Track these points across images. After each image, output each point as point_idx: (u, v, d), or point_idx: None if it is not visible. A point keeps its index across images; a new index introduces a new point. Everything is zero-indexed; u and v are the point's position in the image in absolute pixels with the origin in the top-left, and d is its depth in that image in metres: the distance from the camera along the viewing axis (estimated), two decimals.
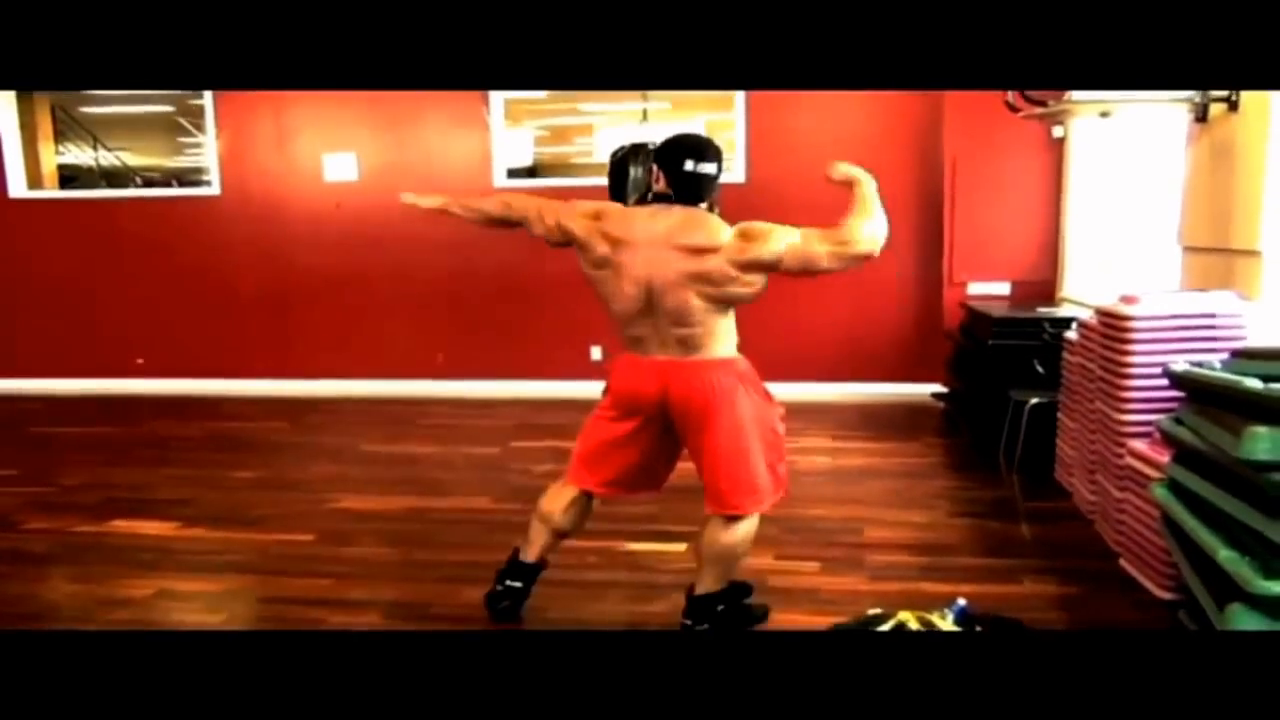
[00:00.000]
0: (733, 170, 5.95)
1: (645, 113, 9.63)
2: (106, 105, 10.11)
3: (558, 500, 3.02)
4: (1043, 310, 5.03)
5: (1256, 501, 2.35)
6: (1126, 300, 3.54)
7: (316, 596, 3.32)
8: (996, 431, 4.65)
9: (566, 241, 2.90)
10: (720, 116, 7.73)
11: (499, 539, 3.33)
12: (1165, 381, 3.04)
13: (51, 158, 7.84)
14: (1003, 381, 4.68)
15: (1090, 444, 3.81)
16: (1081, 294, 5.20)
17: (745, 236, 2.70)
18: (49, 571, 3.70)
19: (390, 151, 6.52)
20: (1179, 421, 2.86)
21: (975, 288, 5.75)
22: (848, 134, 5.92)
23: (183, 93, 8.32)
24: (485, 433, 5.63)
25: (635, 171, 2.94)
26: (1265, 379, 2.42)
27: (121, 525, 4.09)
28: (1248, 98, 3.59)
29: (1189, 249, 4.11)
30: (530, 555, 3.05)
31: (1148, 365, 3.36)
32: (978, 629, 2.65)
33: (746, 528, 2.85)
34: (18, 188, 6.92)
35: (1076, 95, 4.17)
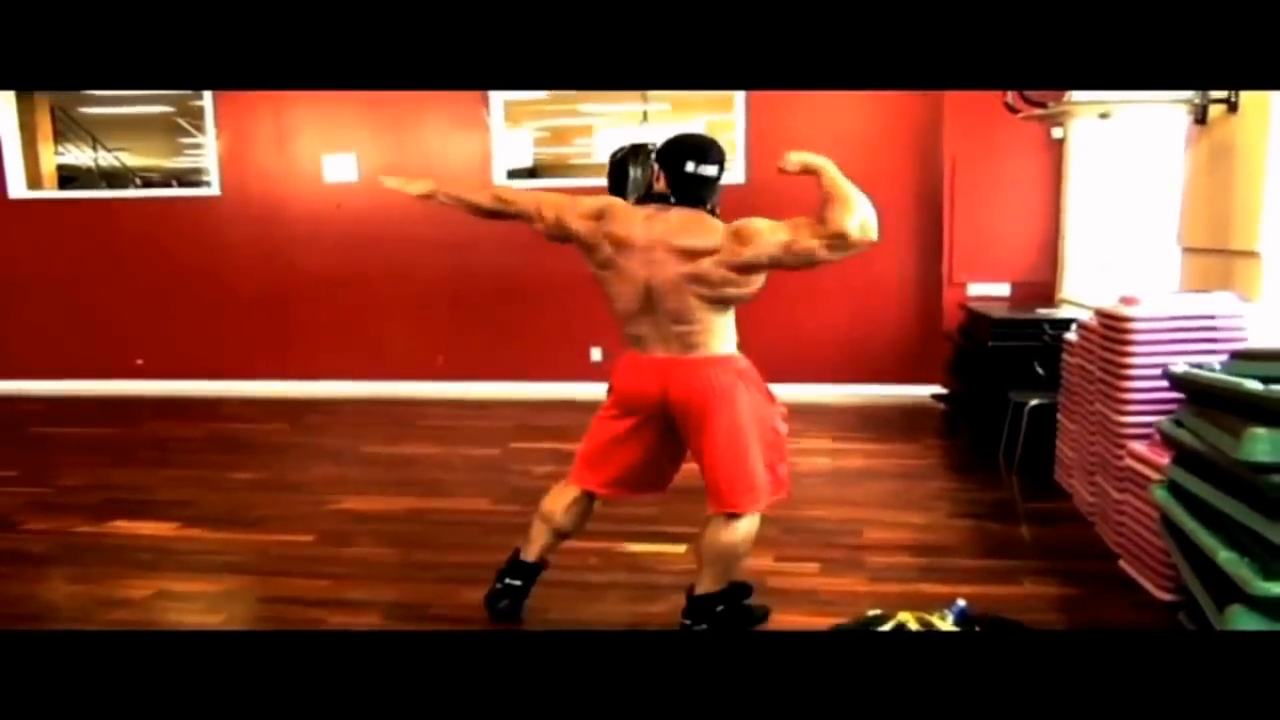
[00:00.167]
0: (733, 171, 5.96)
1: (645, 114, 9.64)
2: (106, 106, 10.11)
3: (559, 500, 3.02)
4: (1042, 311, 5.03)
5: (1256, 503, 2.35)
6: (1126, 301, 3.54)
7: (316, 597, 3.32)
8: (996, 433, 4.65)
9: (565, 238, 2.90)
10: (720, 117, 7.74)
11: (498, 540, 3.33)
12: (1165, 383, 3.04)
13: (51, 158, 7.84)
14: (1002, 383, 4.68)
15: (1090, 445, 3.81)
16: (1081, 295, 5.20)
17: (739, 239, 2.67)
18: (48, 572, 3.70)
19: (390, 152, 6.52)
20: (1178, 423, 2.86)
21: (975, 289, 5.76)
22: (848, 134, 5.93)
23: (183, 93, 8.34)
24: (485, 434, 5.62)
25: (635, 172, 2.93)
26: (1265, 380, 2.42)
27: (121, 526, 4.09)
28: (1247, 99, 3.59)
29: (1188, 250, 4.11)
30: (530, 554, 3.05)
31: (1147, 367, 3.36)
32: (977, 630, 2.65)
33: (747, 527, 2.85)
34: (17, 188, 6.92)
35: (1076, 97, 4.17)
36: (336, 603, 3.27)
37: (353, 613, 3.19)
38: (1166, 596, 3.08)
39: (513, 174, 6.88)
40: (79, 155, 10.87)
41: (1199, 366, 2.89)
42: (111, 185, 10.14)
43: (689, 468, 2.97)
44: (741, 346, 2.88)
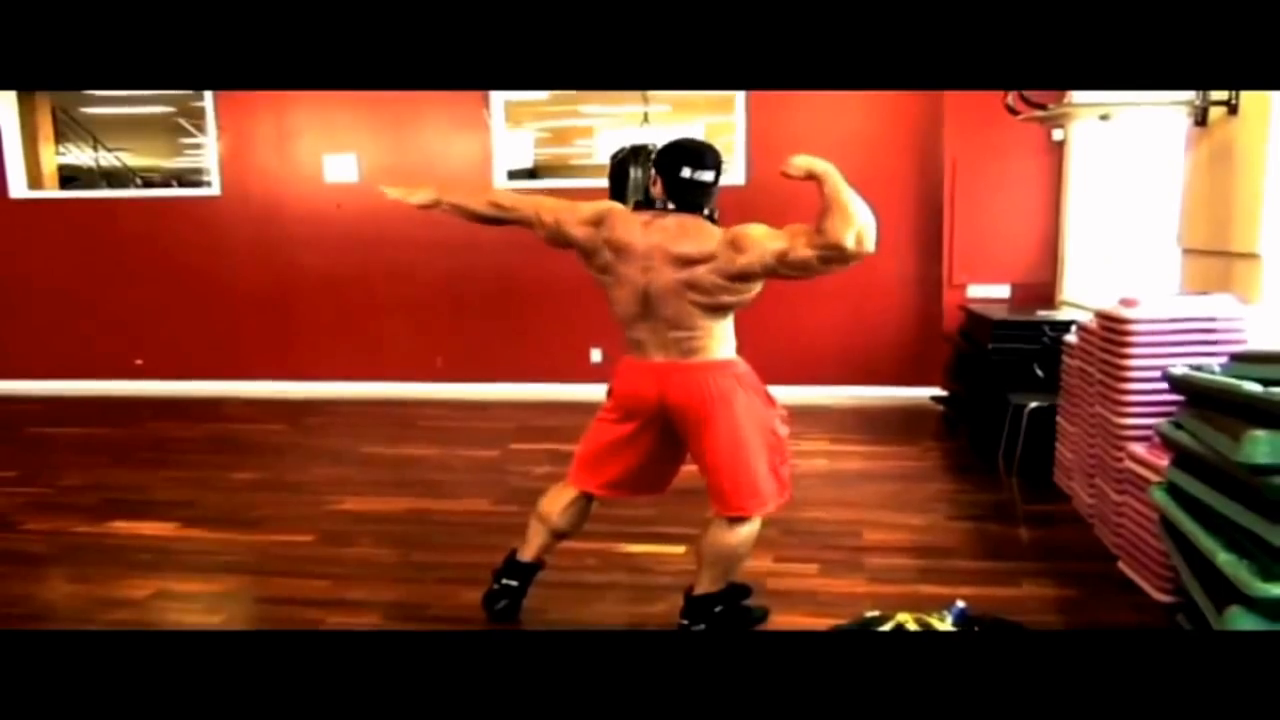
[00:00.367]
0: (733, 172, 5.96)
1: (646, 115, 9.64)
2: (107, 106, 10.12)
3: (557, 501, 3.02)
4: (1042, 313, 5.03)
5: (1255, 505, 2.35)
6: (1126, 303, 3.54)
7: (315, 597, 3.32)
8: (996, 435, 4.65)
9: (565, 244, 2.89)
10: (721, 119, 7.74)
11: (498, 541, 3.33)
12: (1164, 385, 3.05)
13: (52, 158, 7.83)
14: (1002, 385, 4.67)
15: (1089, 447, 3.81)
16: (1081, 297, 5.20)
17: (735, 247, 2.66)
18: (48, 572, 3.71)
19: (391, 153, 6.52)
20: (1178, 425, 2.86)
21: (975, 290, 5.76)
22: (848, 135, 5.93)
23: (183, 93, 8.34)
24: (484, 435, 5.62)
25: (635, 173, 2.94)
26: (1264, 383, 2.43)
27: (121, 526, 4.09)
28: (1247, 102, 3.59)
29: (1188, 252, 4.11)
30: (527, 555, 3.05)
31: (1147, 369, 3.36)
32: (976, 631, 2.65)
33: (749, 530, 2.85)
34: (18, 188, 6.93)
35: (1076, 98, 4.17)
36: (336, 603, 3.27)
37: (352, 613, 3.19)
38: (1165, 598, 3.08)
39: (513, 175, 6.87)
40: (80, 155, 10.88)
41: (1198, 369, 2.89)
42: (112, 185, 10.15)
43: (688, 469, 2.97)
44: (741, 348, 2.87)
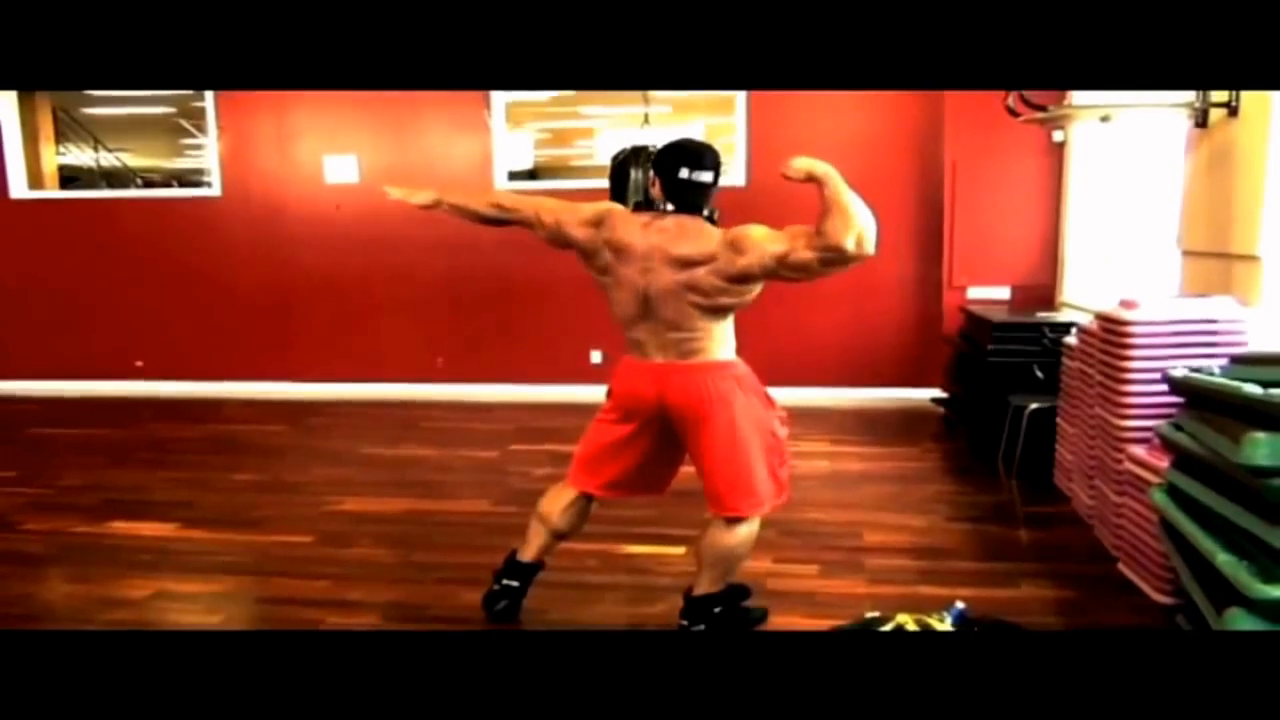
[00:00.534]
0: (734, 173, 5.96)
1: (647, 116, 9.63)
2: (107, 106, 10.13)
3: (557, 501, 3.02)
4: (1042, 315, 5.02)
5: (1255, 507, 2.35)
6: (1126, 305, 3.54)
7: (315, 598, 3.32)
8: (995, 436, 4.65)
9: (565, 244, 2.89)
10: (721, 120, 7.74)
11: (498, 542, 3.33)
12: (1164, 387, 3.04)
13: (52, 158, 7.84)
14: (1002, 387, 4.67)
15: (1089, 449, 3.81)
16: (1081, 299, 5.20)
17: (734, 249, 2.66)
18: (47, 572, 3.70)
19: (391, 154, 6.53)
20: (1178, 427, 2.86)
21: (975, 292, 5.75)
22: (848, 136, 5.93)
23: (184, 94, 8.35)
24: (484, 436, 5.62)
25: (636, 174, 2.94)
26: (1264, 385, 2.42)
27: (120, 526, 4.09)
28: (1247, 103, 3.59)
29: (1188, 254, 4.11)
30: (527, 555, 3.05)
31: (1147, 370, 3.36)
32: (975, 632, 2.65)
33: (747, 530, 2.85)
34: (18, 188, 6.93)
35: (1077, 100, 4.17)
36: (335, 603, 3.27)
37: (351, 613, 3.19)
38: (1165, 599, 3.08)
39: (513, 175, 6.87)
40: (80, 155, 10.88)
41: (1199, 370, 2.89)
42: (113, 185, 10.16)
43: (687, 469, 2.97)
44: (741, 349, 2.87)
